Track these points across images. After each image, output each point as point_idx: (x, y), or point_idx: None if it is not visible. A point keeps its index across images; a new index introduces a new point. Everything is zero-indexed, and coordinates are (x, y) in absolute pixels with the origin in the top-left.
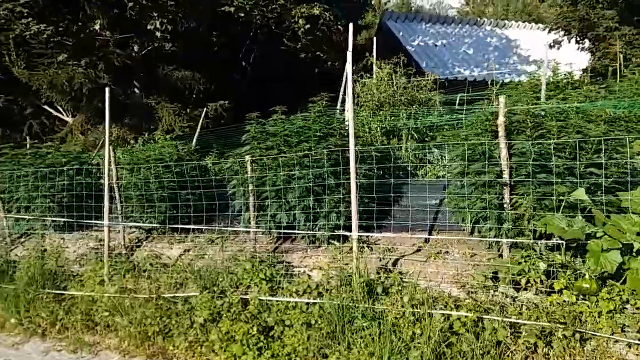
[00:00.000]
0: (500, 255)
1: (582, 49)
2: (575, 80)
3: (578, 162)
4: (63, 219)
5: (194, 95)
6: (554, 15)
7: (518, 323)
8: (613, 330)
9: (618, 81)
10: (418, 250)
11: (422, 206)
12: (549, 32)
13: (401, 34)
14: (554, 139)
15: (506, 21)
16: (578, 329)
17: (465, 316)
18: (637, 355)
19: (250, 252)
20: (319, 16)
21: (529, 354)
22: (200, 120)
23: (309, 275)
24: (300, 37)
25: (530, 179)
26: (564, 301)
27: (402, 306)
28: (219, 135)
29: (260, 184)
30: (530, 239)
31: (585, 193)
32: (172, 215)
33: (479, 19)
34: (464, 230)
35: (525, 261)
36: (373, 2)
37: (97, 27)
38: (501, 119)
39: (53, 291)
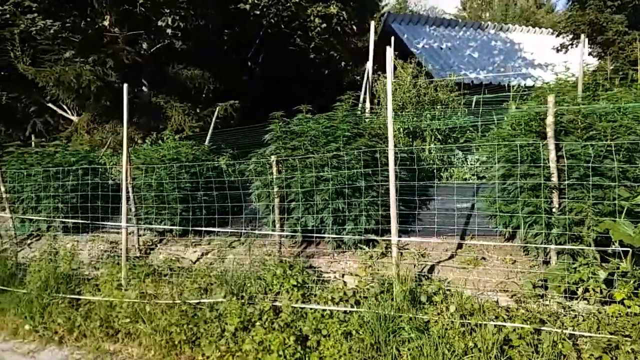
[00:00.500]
0: (546, 262)
1: (591, 53)
2: (604, 81)
3: (633, 166)
4: (75, 220)
5: (204, 95)
6: (563, 19)
7: (577, 335)
8: None
9: None
10: (452, 256)
11: (451, 210)
12: (557, 35)
13: (406, 36)
14: (605, 141)
15: (510, 25)
16: None
17: (522, 327)
18: None
19: (276, 257)
20: (334, 15)
21: None
22: (213, 120)
23: (344, 282)
24: (314, 37)
25: (584, 182)
26: (628, 312)
27: (449, 316)
28: (232, 135)
29: (286, 186)
30: (591, 246)
31: None
32: (188, 217)
33: (482, 23)
34: (499, 235)
35: (582, 269)
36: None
37: (106, 23)
38: (550, 119)
39: (68, 296)
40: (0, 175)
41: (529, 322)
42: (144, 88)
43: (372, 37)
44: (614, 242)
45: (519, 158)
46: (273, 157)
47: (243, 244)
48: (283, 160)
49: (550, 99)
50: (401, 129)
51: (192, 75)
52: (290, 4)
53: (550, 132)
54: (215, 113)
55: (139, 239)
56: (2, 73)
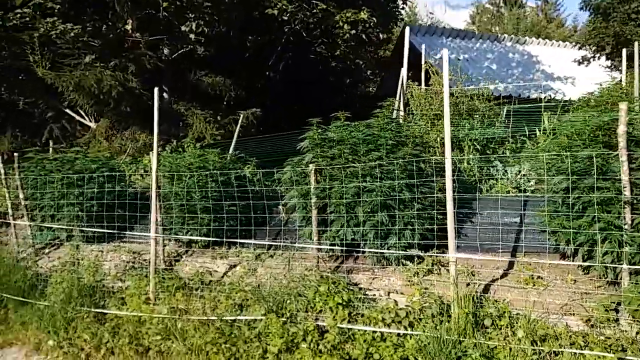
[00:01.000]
0: (613, 283)
1: (614, 66)
2: None
3: None
4: (96, 230)
5: (225, 102)
6: (587, 29)
7: None
8: None
9: None
10: (505, 275)
11: (498, 224)
12: (580, 48)
13: (423, 47)
14: None
15: (526, 37)
16: None
17: (604, 356)
18: None
19: (314, 272)
20: (364, 22)
21: None
22: (237, 127)
23: (395, 302)
24: (340, 44)
25: None
26: None
27: (517, 342)
28: (257, 143)
29: (325, 196)
30: None
31: None
32: (215, 227)
33: (498, 35)
34: (555, 252)
35: None
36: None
37: (128, 27)
38: (622, 129)
39: (94, 310)
40: (20, 182)
41: (610, 350)
42: (164, 94)
43: (407, 43)
44: None
45: (573, 171)
46: (311, 166)
47: (272, 256)
48: (321, 169)
49: (623, 106)
50: (437, 138)
51: (213, 82)
52: (317, 10)
53: (622, 142)
54: (240, 120)
55: (164, 249)
56: (20, 77)
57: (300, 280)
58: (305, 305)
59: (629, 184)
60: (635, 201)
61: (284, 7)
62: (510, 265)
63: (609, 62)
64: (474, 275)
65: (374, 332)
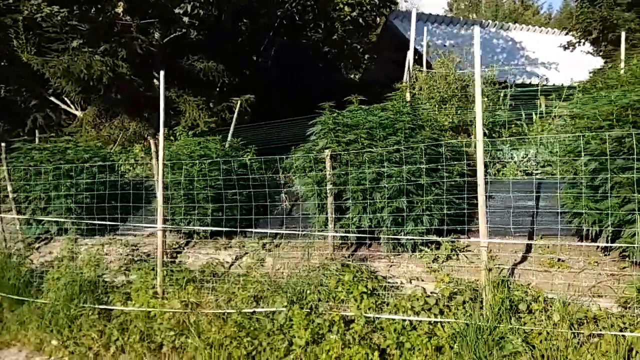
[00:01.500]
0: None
1: (599, 51)
2: None
3: None
4: (92, 222)
5: (217, 89)
6: (575, 13)
7: None
8: None
9: None
10: (525, 258)
11: (513, 208)
12: (567, 32)
13: (409, 33)
14: None
15: (510, 24)
16: None
17: None
18: None
19: (329, 260)
20: (361, 4)
21: None
22: (235, 114)
23: (423, 289)
24: (337, 28)
25: None
26: None
27: (554, 326)
28: (253, 130)
29: (341, 183)
30: None
31: None
32: (220, 217)
33: (483, 21)
34: (574, 234)
35: None
36: None
37: (119, 10)
38: None
39: (99, 306)
40: (8, 174)
41: None
42: (154, 81)
43: (413, 26)
44: None
45: (611, 151)
46: (327, 151)
47: (278, 246)
48: (337, 154)
49: None
50: (445, 122)
51: (206, 68)
52: None
53: None
54: (237, 107)
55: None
56: (2, 63)
57: (320, 269)
58: (326, 295)
59: None
60: None
61: None
62: (528, 248)
63: (591, 48)
64: (493, 260)
65: (403, 320)
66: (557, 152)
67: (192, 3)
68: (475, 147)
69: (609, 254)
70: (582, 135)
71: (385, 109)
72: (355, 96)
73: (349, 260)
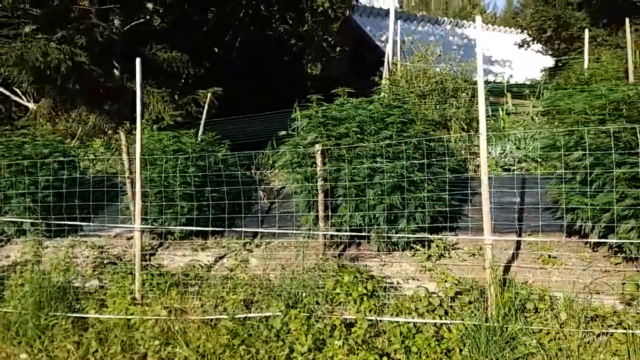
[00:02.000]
0: (632, 259)
1: (551, 49)
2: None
3: None
4: (57, 222)
5: (182, 80)
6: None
7: None
8: None
9: None
10: (516, 256)
11: (500, 204)
12: (523, 30)
13: (369, 28)
14: None
15: (465, 21)
16: None
17: None
18: None
19: (320, 260)
20: None
21: None
22: (205, 107)
23: (426, 289)
24: (307, 19)
25: None
26: None
27: (562, 325)
28: (220, 125)
29: (331, 179)
30: None
31: None
32: (195, 216)
33: (439, 18)
34: (561, 230)
35: None
36: None
37: None
38: None
39: (73, 314)
40: None
41: None
42: (115, 71)
43: (392, 18)
44: None
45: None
46: (318, 146)
47: (258, 246)
48: (327, 149)
49: None
50: (425, 118)
51: (170, 58)
52: None
53: None
54: (207, 99)
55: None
56: None
57: (316, 270)
58: (324, 298)
59: None
60: None
61: None
62: (518, 245)
63: (541, 47)
64: (482, 256)
65: (407, 323)
66: (535, 147)
67: None
68: (456, 141)
69: (597, 250)
70: (576, 130)
71: (372, 102)
72: (343, 89)
73: (339, 260)
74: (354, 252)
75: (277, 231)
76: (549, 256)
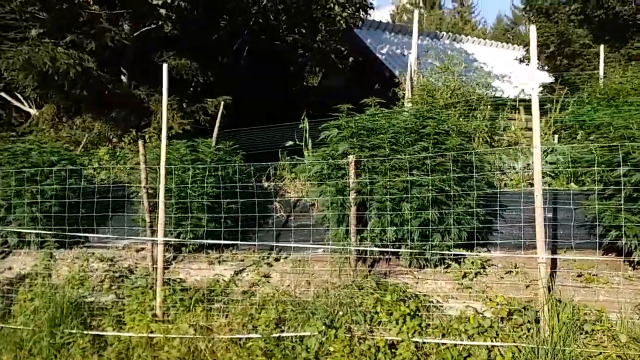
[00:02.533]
0: None
1: (554, 65)
2: None
3: None
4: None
5: (191, 88)
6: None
7: None
8: None
9: None
10: (553, 274)
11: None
12: (525, 47)
13: (369, 41)
14: None
15: (462, 36)
16: None
17: None
18: None
19: (350, 276)
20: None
21: None
22: (219, 116)
23: (475, 309)
24: (321, 29)
25: None
26: None
27: (624, 348)
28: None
29: (364, 192)
30: None
31: None
32: (214, 228)
33: (437, 32)
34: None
35: None
36: None
37: None
38: None
39: (91, 332)
40: None
41: None
42: (122, 77)
43: (415, 26)
44: None
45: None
46: (351, 157)
47: (278, 260)
48: (360, 161)
49: None
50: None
51: (179, 65)
52: None
53: None
54: (220, 108)
55: (152, 256)
56: None
57: (352, 287)
58: (362, 317)
59: None
60: None
61: None
62: (554, 263)
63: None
64: (521, 275)
65: (455, 345)
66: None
67: None
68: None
69: (638, 268)
70: (621, 145)
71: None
72: (373, 99)
73: (369, 276)
74: (383, 268)
75: (311, 245)
76: (593, 275)
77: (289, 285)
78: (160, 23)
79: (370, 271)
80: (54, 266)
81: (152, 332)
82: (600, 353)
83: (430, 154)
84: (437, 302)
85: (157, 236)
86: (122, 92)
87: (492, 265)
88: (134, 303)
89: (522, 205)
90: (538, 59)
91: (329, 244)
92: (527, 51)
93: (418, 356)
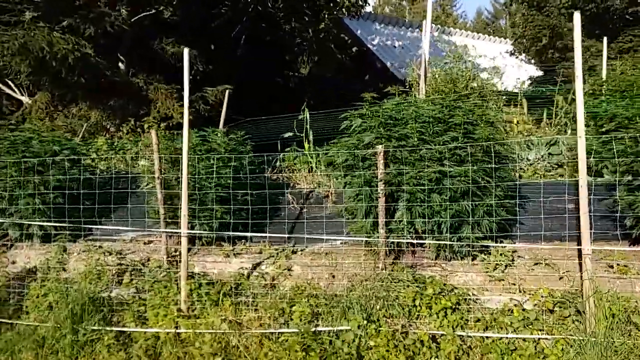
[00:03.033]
0: None
1: (545, 58)
2: None
3: None
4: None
5: (191, 76)
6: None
7: None
8: None
9: None
10: (580, 266)
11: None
12: (517, 39)
13: (359, 31)
14: None
15: (451, 28)
16: None
17: None
18: None
19: (379, 268)
20: None
21: None
22: (225, 105)
23: (519, 302)
24: (324, 18)
25: None
26: None
27: None
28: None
29: (392, 183)
30: None
31: None
32: (230, 221)
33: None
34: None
35: None
36: None
37: None
38: None
39: (114, 328)
40: None
41: None
42: (120, 64)
43: (429, 17)
44: None
45: None
46: (380, 147)
47: (295, 252)
48: (387, 151)
49: None
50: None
51: (178, 53)
52: None
53: None
54: (226, 96)
55: (165, 249)
56: None
57: (388, 280)
58: (400, 311)
59: None
60: None
61: None
62: (580, 254)
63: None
64: (550, 266)
65: (499, 338)
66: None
67: None
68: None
69: None
70: None
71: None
72: (397, 87)
73: (405, 269)
74: (409, 260)
75: (344, 238)
76: (624, 265)
77: (312, 278)
78: (161, 8)
79: (395, 263)
80: (65, 260)
81: (177, 327)
82: None
83: (460, 144)
84: (474, 294)
85: (179, 228)
86: (120, 80)
87: (520, 257)
88: (157, 297)
89: (542, 197)
90: (528, 52)
91: (356, 236)
92: (515, 44)
93: (463, 350)
